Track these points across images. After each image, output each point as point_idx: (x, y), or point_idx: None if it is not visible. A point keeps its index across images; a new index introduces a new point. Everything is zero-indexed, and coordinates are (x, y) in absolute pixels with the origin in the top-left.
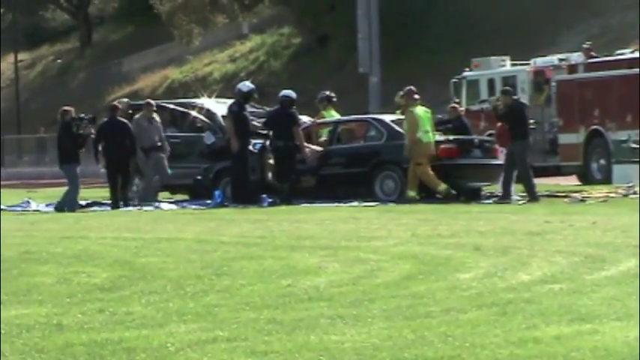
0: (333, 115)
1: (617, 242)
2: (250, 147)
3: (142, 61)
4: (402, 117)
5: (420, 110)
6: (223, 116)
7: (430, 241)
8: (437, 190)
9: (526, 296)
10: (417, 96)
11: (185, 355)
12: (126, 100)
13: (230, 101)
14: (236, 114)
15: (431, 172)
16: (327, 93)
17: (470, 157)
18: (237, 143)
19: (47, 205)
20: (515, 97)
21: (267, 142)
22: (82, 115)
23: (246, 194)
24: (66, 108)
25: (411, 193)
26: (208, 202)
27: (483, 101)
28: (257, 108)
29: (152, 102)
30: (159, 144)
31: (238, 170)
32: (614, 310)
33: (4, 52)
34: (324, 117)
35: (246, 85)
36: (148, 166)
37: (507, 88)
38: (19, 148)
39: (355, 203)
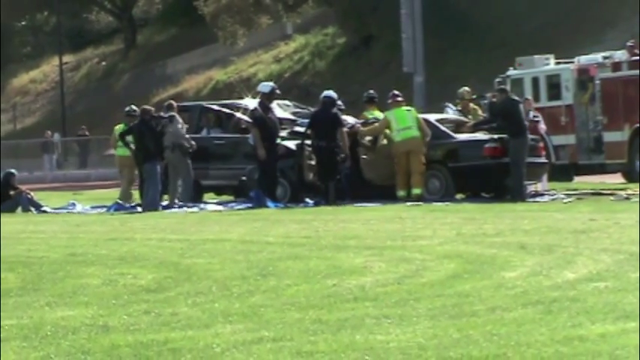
0: (376, 116)
1: None
2: (292, 145)
3: (187, 62)
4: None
5: (399, 110)
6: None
7: (475, 239)
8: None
9: (571, 294)
10: (399, 99)
11: (231, 356)
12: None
13: (276, 102)
14: (260, 120)
15: (402, 172)
16: (371, 92)
17: None
18: (264, 151)
19: (92, 208)
20: (509, 94)
21: (306, 142)
22: (161, 113)
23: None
24: (146, 107)
25: (416, 191)
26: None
27: (482, 97)
28: (301, 108)
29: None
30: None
31: (268, 174)
32: None
33: (49, 54)
34: (366, 118)
35: (268, 86)
36: (188, 167)
37: (502, 86)
38: (64, 150)
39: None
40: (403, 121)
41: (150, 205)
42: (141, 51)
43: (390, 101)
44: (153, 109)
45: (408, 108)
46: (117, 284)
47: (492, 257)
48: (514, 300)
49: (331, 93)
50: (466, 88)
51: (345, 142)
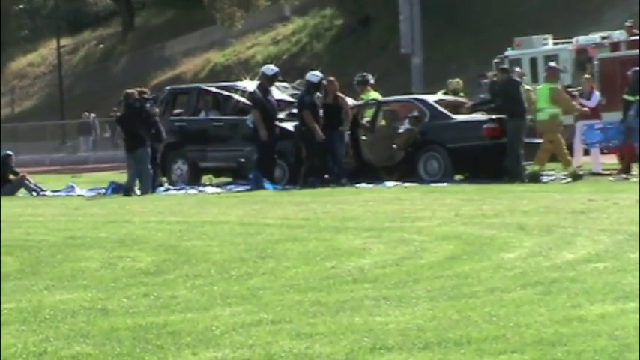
0: (374, 97)
1: None
2: (290, 127)
3: (184, 45)
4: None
5: (541, 88)
6: (245, 103)
7: (474, 221)
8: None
9: (570, 275)
10: (552, 72)
11: (230, 338)
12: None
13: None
14: (261, 102)
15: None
16: (364, 75)
17: None
18: (266, 132)
19: (90, 190)
20: (510, 75)
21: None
22: (146, 95)
23: (271, 174)
24: (129, 90)
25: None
26: None
27: (483, 76)
28: (299, 90)
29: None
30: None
31: (267, 156)
32: None
33: (47, 37)
34: (362, 100)
35: (271, 69)
36: None
37: (504, 66)
38: (66, 133)
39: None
40: (539, 102)
41: (147, 188)
42: (139, 34)
43: (545, 74)
44: (135, 91)
45: (550, 85)
46: (116, 267)
47: (491, 238)
48: (513, 281)
49: (310, 76)
50: (458, 80)
51: (311, 124)
